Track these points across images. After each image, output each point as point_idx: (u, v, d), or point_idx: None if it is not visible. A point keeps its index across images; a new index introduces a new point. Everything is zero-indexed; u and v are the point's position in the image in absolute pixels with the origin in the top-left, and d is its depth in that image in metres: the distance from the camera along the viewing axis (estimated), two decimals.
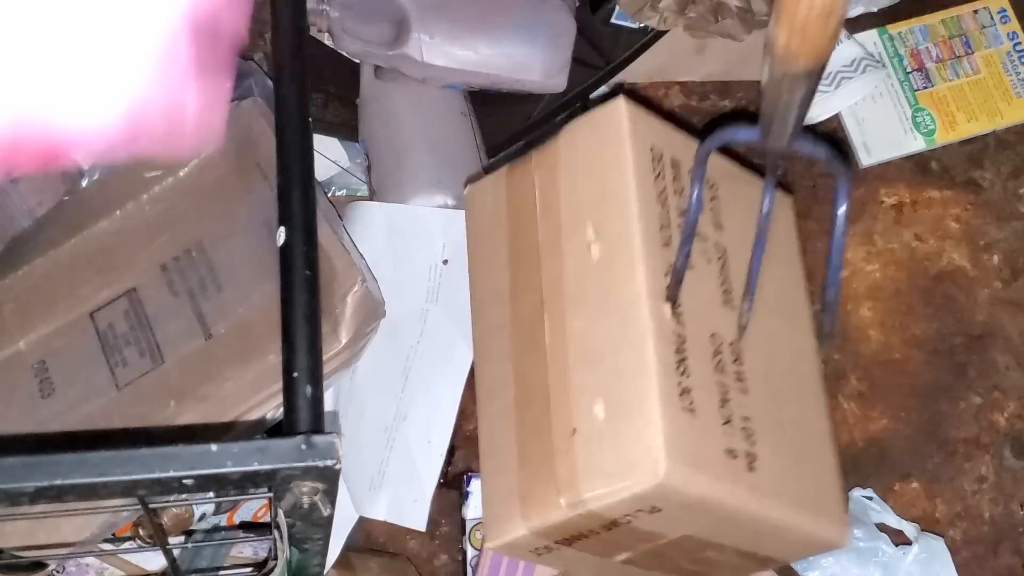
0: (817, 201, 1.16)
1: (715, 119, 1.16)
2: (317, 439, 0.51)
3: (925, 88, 1.17)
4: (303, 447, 0.51)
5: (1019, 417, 1.11)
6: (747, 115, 0.68)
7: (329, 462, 0.51)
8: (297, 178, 0.66)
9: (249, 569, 0.92)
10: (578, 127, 0.86)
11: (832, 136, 1.16)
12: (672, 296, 0.79)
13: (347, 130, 1.08)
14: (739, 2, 1.05)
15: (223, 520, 0.98)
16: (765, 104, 0.67)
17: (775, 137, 0.69)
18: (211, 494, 0.52)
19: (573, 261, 0.82)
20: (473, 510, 1.06)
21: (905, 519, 1.05)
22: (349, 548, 1.01)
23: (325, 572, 0.68)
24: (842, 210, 0.76)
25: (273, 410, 0.91)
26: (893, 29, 1.18)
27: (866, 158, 1.16)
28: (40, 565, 0.88)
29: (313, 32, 1.04)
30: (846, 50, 1.14)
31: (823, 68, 0.62)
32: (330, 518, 0.56)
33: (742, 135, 0.73)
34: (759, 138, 0.70)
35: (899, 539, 1.04)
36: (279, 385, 0.61)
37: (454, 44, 1.03)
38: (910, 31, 1.18)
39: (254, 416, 0.91)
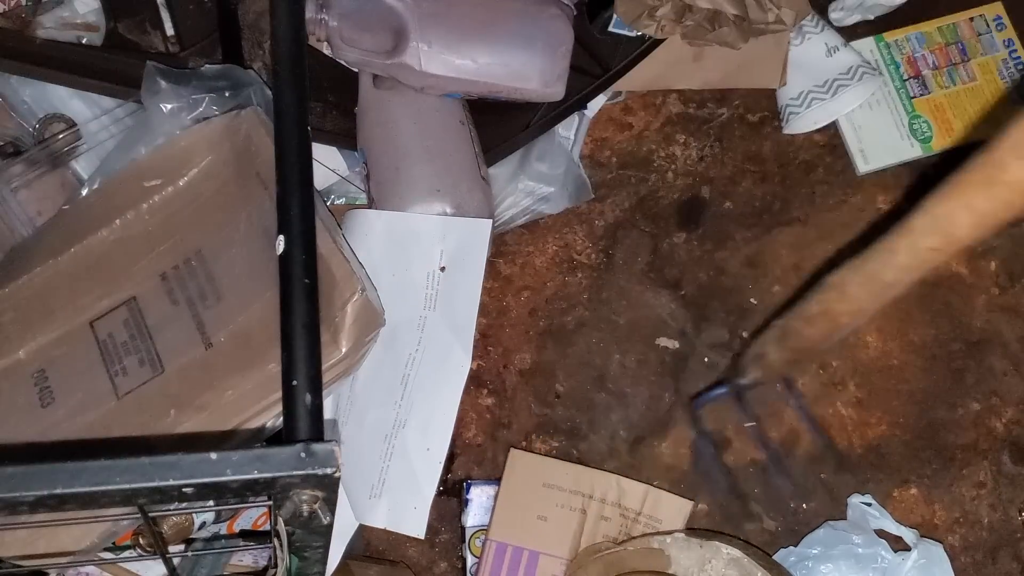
0: (815, 208, 1.16)
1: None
2: (316, 447, 0.51)
3: (922, 95, 1.17)
4: (303, 455, 0.51)
5: (1017, 423, 1.11)
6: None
7: (328, 470, 0.51)
8: (296, 187, 0.66)
9: None
10: None
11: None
12: None
13: (346, 139, 1.08)
14: (736, 11, 1.05)
15: (223, 528, 0.98)
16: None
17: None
18: (211, 502, 0.52)
19: None
20: (472, 517, 1.06)
21: (904, 525, 1.05)
22: (349, 556, 1.01)
23: None
24: None
25: (273, 418, 0.91)
26: (889, 37, 1.19)
27: (863, 165, 1.16)
28: (40, 574, 0.88)
29: (312, 41, 1.04)
30: (843, 58, 1.15)
31: None
32: (330, 526, 0.56)
33: (718, 396, 1.03)
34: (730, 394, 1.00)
35: (898, 545, 1.04)
36: (279, 394, 0.61)
37: (452, 53, 1.03)
38: (906, 38, 1.19)
39: (254, 425, 0.90)
